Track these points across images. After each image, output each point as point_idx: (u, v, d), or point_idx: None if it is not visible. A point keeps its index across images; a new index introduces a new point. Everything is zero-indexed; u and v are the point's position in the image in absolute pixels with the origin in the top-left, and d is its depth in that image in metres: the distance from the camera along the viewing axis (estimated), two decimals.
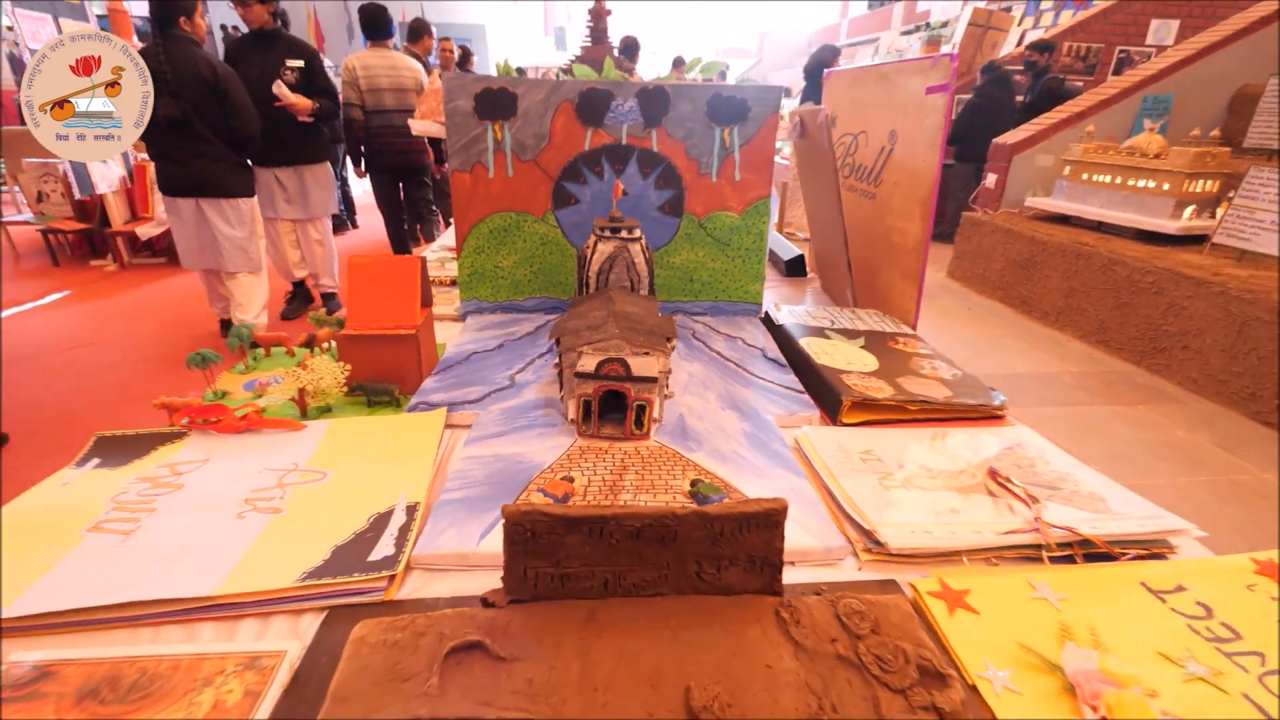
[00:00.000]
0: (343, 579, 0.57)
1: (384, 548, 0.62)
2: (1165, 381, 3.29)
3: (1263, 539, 2.06)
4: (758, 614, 0.52)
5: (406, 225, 4.27)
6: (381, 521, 0.66)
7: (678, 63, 8.98)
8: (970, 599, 0.57)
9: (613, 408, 0.83)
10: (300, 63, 3.23)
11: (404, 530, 0.65)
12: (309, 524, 0.66)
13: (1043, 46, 5.74)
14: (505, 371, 1.02)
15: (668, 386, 0.93)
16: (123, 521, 0.67)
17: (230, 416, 0.84)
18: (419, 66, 3.96)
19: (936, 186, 1.13)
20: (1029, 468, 0.79)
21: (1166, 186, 3.69)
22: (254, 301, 3.31)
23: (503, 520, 0.51)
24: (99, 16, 5.22)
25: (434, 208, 4.39)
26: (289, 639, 0.53)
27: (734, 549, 0.53)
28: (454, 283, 1.45)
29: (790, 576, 0.61)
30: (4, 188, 6.65)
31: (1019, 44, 7.55)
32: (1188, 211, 3.70)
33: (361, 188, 5.34)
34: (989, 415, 0.95)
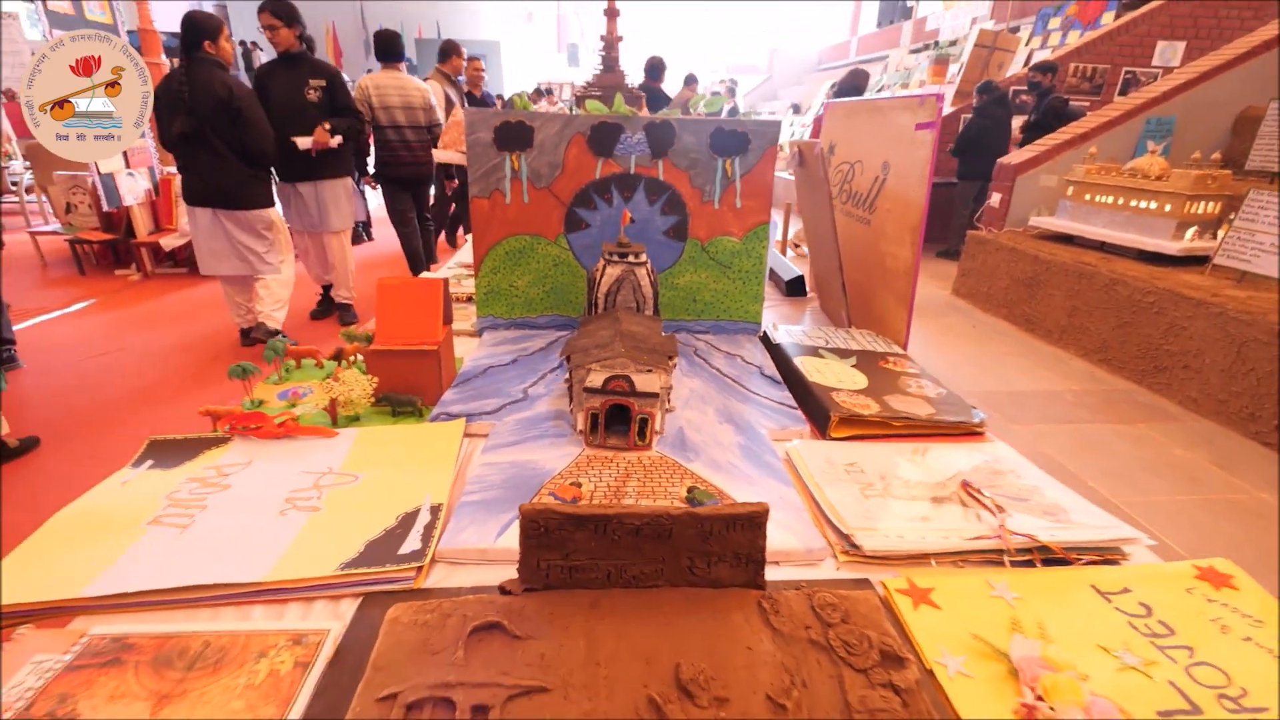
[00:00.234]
0: (376, 569, 0.65)
1: (412, 542, 0.69)
2: (1166, 401, 3.33)
3: (1255, 556, 2.09)
4: (742, 604, 0.59)
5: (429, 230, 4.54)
6: (409, 520, 0.74)
7: (690, 80, 9.15)
8: (934, 595, 0.64)
9: (618, 420, 0.91)
10: (322, 82, 3.38)
11: (429, 528, 0.72)
12: (344, 521, 0.74)
13: (1046, 67, 5.82)
14: (519, 385, 1.10)
15: (669, 401, 1.00)
16: (179, 516, 0.75)
17: (269, 424, 0.92)
18: (426, 87, 4.22)
19: (925, 215, 1.21)
20: (1001, 481, 0.86)
21: (1168, 208, 3.74)
22: (274, 299, 3.50)
23: (519, 518, 0.58)
24: (129, 32, 5.39)
25: (430, 222, 4.62)
26: (330, 620, 0.61)
27: (722, 546, 0.60)
28: (470, 299, 1.53)
29: (775, 574, 0.68)
30: (33, 198, 6.86)
31: (1026, 64, 7.65)
32: (1190, 233, 3.75)
33: (376, 201, 5.50)
34: (969, 432, 1.01)
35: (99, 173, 4.96)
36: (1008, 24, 9.67)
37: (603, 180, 1.30)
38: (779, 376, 1.18)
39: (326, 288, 4.17)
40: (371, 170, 4.48)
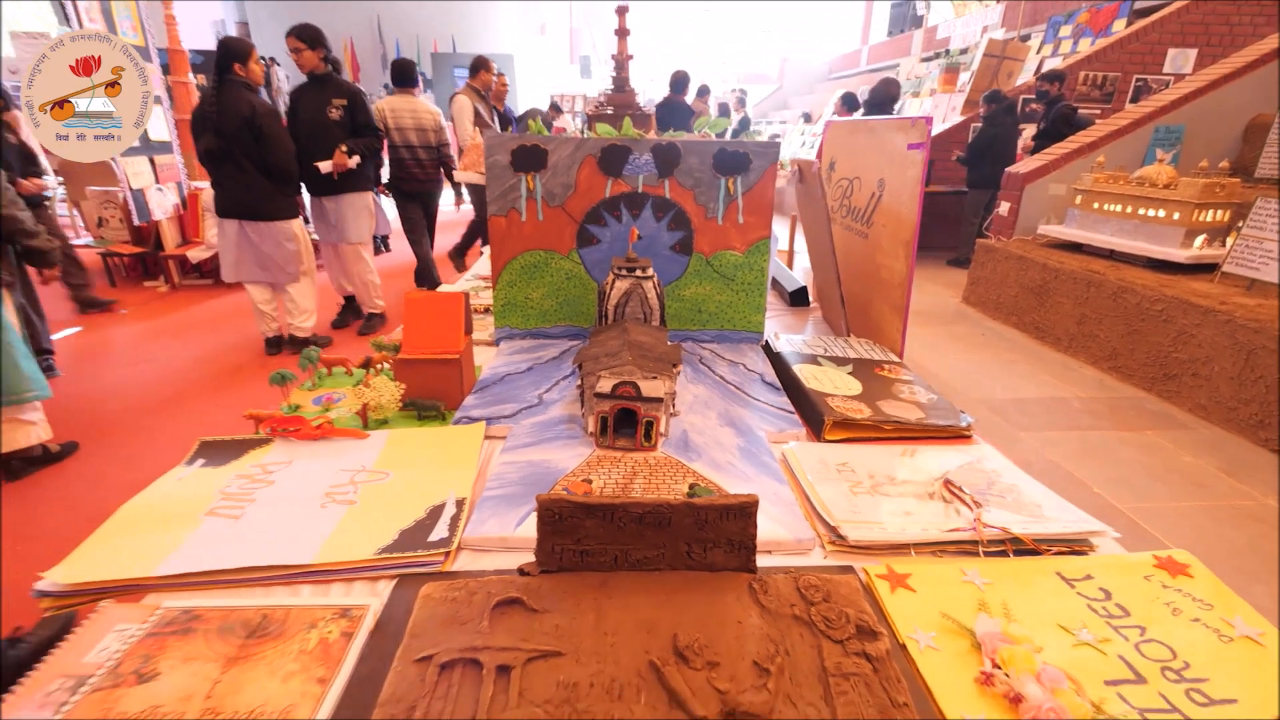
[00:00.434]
0: (409, 553, 0.73)
1: (440, 531, 0.77)
2: (1175, 408, 3.34)
3: (1259, 561, 2.11)
4: (734, 585, 0.66)
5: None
6: (436, 511, 0.82)
7: (703, 92, 9.27)
8: (910, 580, 0.70)
9: (626, 423, 0.98)
10: (344, 101, 3.54)
11: (454, 519, 0.80)
12: (378, 512, 0.82)
13: (1053, 76, 5.86)
14: (534, 391, 1.18)
15: (674, 406, 1.08)
16: (231, 508, 0.83)
17: (307, 426, 1.01)
18: (436, 110, 4.53)
19: (917, 231, 1.27)
20: (982, 480, 0.92)
21: (1176, 216, 3.76)
22: (301, 308, 3.74)
23: (536, 508, 0.66)
24: (159, 50, 5.61)
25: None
26: (370, 597, 0.69)
27: (716, 533, 0.67)
28: (489, 311, 1.62)
29: (767, 561, 0.75)
30: (66, 213, 7.10)
31: (1037, 72, 7.66)
32: (1199, 240, 3.76)
33: (392, 212, 5.68)
34: (957, 435, 1.07)
35: (130, 188, 5.15)
36: (1019, 32, 9.69)
37: (612, 199, 1.38)
38: (779, 383, 1.25)
39: (349, 298, 4.35)
40: (385, 181, 4.86)
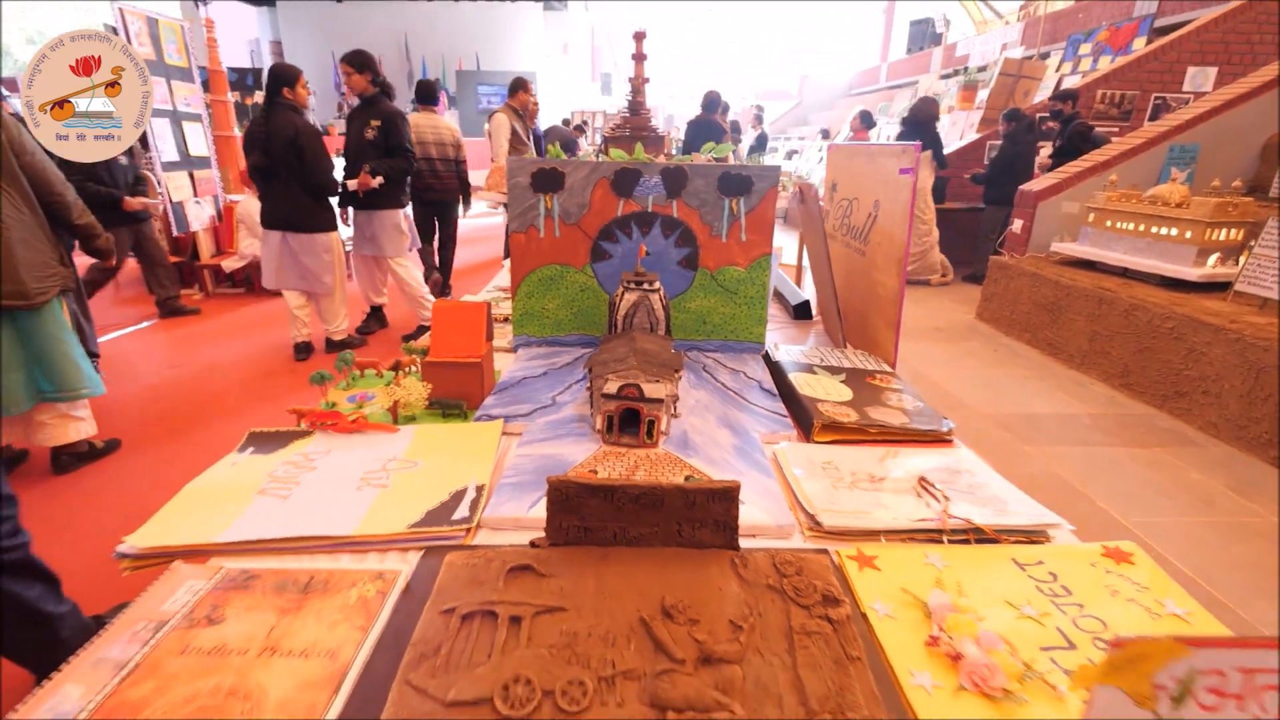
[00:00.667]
0: (435, 528, 0.83)
1: (462, 511, 0.88)
2: (1186, 426, 3.35)
3: (1262, 576, 2.13)
4: (718, 560, 0.75)
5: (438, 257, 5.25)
6: (459, 495, 0.92)
7: (724, 110, 9.44)
8: (876, 561, 0.79)
9: (630, 422, 1.08)
10: (379, 123, 3.75)
11: (474, 502, 0.90)
12: (408, 495, 0.93)
13: (1066, 95, 5.90)
14: (548, 393, 1.28)
15: (675, 408, 1.17)
16: (279, 489, 0.94)
17: (344, 421, 1.12)
18: (456, 127, 4.85)
19: (907, 250, 1.36)
20: (956, 479, 1.00)
21: (1188, 235, 3.78)
22: (334, 315, 4.01)
23: (547, 489, 0.76)
24: (200, 67, 5.88)
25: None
26: (401, 564, 0.79)
27: (704, 514, 0.76)
28: (508, 320, 1.73)
29: (751, 544, 0.84)
30: None
31: (1056, 89, 7.69)
32: (1213, 259, 3.77)
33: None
34: (938, 440, 1.16)
35: (170, 200, 5.40)
36: (1039, 49, 9.72)
37: (624, 218, 1.49)
38: (775, 390, 1.34)
39: (375, 308, 4.56)
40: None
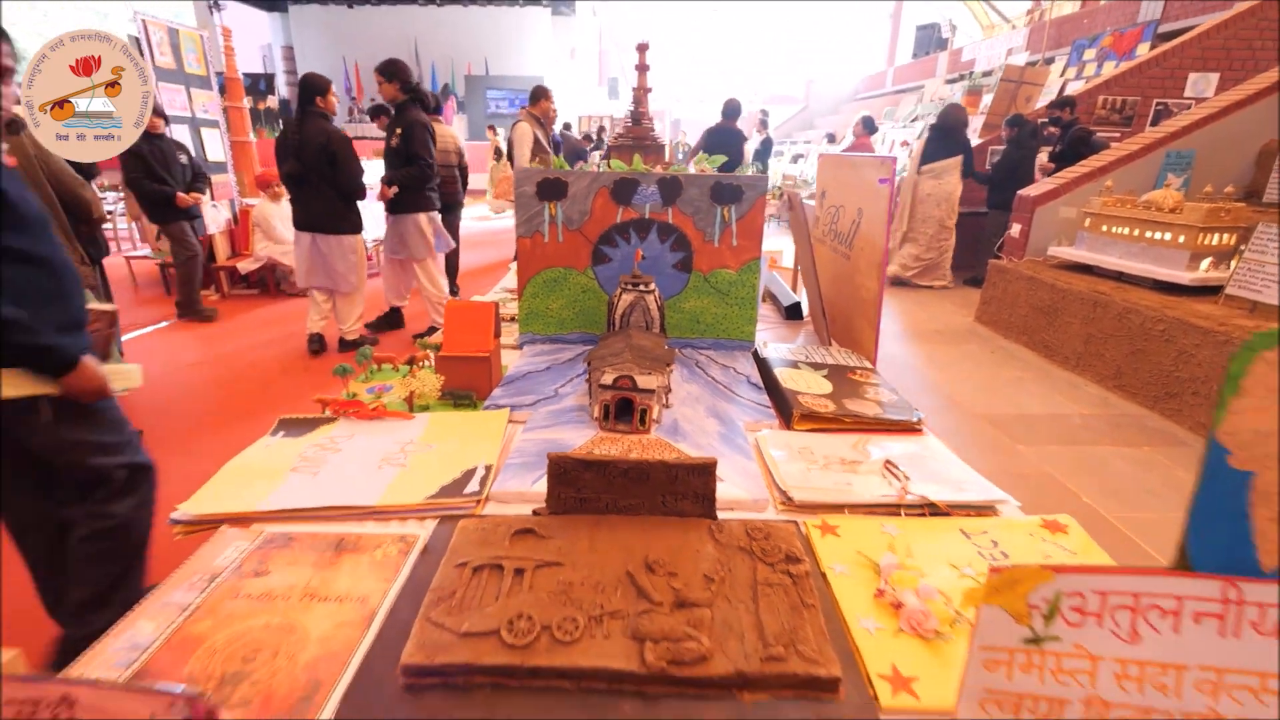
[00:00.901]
0: (449, 499, 0.94)
1: (472, 486, 0.99)
2: (1177, 426, 3.42)
3: None
4: (697, 527, 0.86)
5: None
6: (470, 473, 1.03)
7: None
8: (838, 530, 0.89)
9: (625, 411, 1.19)
10: (400, 130, 3.89)
11: (484, 479, 1.01)
12: (424, 473, 1.04)
13: (1063, 103, 5.99)
14: (551, 386, 1.39)
15: (667, 399, 1.28)
16: (310, 467, 1.05)
17: (365, 409, 1.24)
18: (457, 135, 5.00)
19: (885, 256, 1.46)
20: (920, 462, 1.10)
21: (1181, 239, 3.85)
22: (350, 315, 4.16)
23: (547, 465, 0.87)
24: (218, 73, 6.05)
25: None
26: (419, 529, 0.90)
27: (685, 487, 0.87)
28: (514, 319, 1.85)
29: (729, 516, 0.94)
30: (125, 226, 7.62)
31: (1060, 94, 7.76)
32: (1205, 263, 3.84)
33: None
34: (908, 428, 1.25)
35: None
36: (1043, 55, 9.78)
37: (623, 224, 1.60)
38: (761, 384, 1.44)
39: (394, 309, 4.73)
40: None
